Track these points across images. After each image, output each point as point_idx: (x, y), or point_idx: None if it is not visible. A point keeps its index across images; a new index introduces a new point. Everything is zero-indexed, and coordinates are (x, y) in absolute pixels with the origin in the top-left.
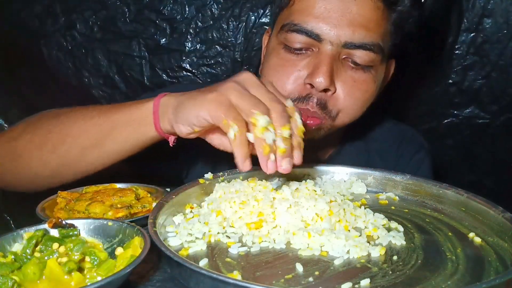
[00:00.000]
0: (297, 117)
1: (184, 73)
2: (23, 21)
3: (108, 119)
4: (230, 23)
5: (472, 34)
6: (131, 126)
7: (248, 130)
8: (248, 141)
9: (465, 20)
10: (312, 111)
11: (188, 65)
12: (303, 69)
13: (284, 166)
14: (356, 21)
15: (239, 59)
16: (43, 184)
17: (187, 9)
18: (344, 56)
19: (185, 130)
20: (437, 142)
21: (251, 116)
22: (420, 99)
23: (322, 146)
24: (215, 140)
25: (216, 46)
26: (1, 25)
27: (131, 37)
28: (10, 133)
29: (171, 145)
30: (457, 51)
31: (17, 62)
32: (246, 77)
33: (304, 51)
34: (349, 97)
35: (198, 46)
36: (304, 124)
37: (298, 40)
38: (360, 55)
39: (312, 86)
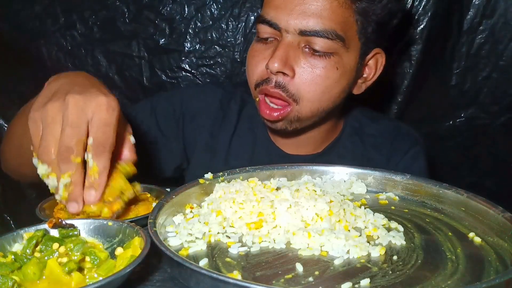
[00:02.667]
0: (89, 158)
1: (183, 73)
2: (22, 21)
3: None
4: (229, 23)
5: (472, 35)
6: None
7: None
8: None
9: (465, 21)
10: (272, 91)
11: (187, 66)
12: (267, 57)
13: (71, 209)
14: (309, 10)
15: (238, 59)
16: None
17: (186, 9)
18: (303, 44)
19: None
20: (438, 144)
21: None
22: (421, 101)
23: (317, 139)
24: None
25: (216, 46)
26: (1, 25)
27: (131, 37)
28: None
29: None
30: (457, 52)
31: (17, 62)
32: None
33: (271, 41)
34: (309, 82)
35: (197, 47)
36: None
37: (264, 30)
38: (318, 42)
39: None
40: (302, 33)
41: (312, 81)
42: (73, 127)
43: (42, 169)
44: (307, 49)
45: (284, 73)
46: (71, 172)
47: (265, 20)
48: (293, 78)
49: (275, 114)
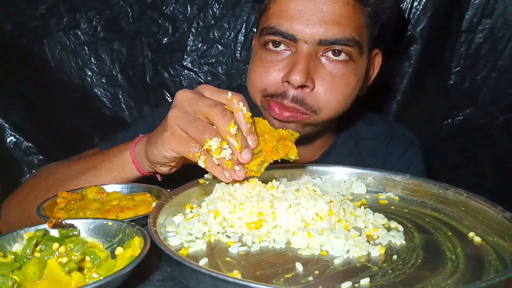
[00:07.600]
0: (241, 106)
1: (186, 71)
2: (26, 20)
3: (93, 168)
4: (231, 22)
5: (471, 35)
6: (114, 172)
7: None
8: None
9: (464, 21)
10: (288, 106)
11: (189, 64)
12: (282, 69)
13: (245, 157)
14: (327, 18)
15: (239, 58)
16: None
17: (189, 8)
18: (321, 53)
19: (164, 169)
20: (438, 145)
21: (204, 144)
22: (420, 101)
23: (314, 146)
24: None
25: (217, 45)
26: (5, 24)
27: (134, 36)
28: (19, 194)
29: (160, 180)
30: (456, 52)
31: (20, 62)
32: (179, 98)
33: (282, 51)
34: (329, 92)
35: (199, 46)
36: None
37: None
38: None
39: (289, 83)
40: (322, 42)
41: (332, 90)
42: (203, 101)
43: (214, 144)
44: (325, 59)
45: (303, 86)
46: (232, 122)
47: (278, 32)
48: (312, 90)
49: (286, 114)
